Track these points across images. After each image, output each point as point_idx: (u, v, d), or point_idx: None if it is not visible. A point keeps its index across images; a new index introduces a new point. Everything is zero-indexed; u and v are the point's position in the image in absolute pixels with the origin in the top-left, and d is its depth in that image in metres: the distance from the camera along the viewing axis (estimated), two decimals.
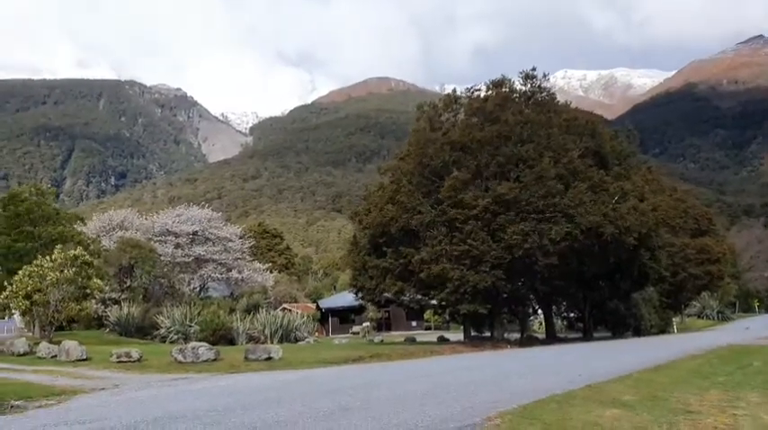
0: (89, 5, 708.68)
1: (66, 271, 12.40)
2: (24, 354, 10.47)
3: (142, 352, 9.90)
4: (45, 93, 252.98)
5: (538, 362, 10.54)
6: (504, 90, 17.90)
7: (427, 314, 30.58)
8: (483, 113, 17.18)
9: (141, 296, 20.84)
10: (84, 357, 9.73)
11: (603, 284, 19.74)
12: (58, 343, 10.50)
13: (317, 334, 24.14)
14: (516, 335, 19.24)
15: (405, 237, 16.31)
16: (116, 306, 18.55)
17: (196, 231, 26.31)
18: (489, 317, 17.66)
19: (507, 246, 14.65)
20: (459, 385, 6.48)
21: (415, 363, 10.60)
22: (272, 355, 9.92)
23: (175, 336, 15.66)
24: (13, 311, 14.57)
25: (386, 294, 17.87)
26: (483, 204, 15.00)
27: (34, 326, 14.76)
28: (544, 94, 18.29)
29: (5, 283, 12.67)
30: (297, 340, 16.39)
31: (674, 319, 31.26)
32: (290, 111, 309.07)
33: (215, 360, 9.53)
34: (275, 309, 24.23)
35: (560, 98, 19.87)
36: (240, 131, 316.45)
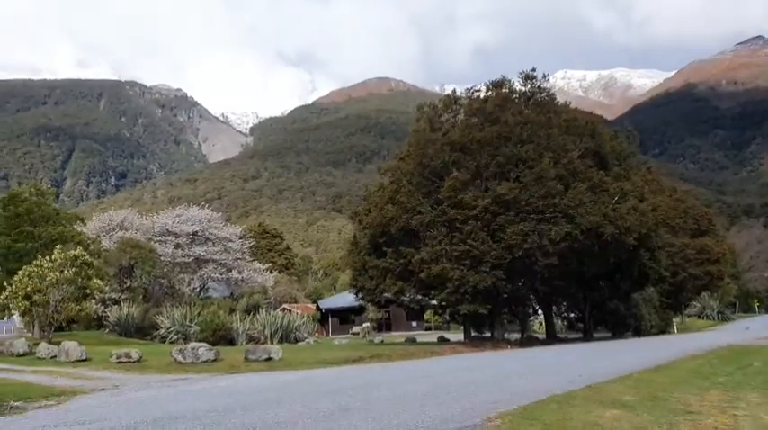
0: (89, 5, 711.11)
1: (65, 271, 12.39)
2: (24, 355, 10.46)
3: (142, 352, 9.89)
4: (45, 93, 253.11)
5: (538, 362, 10.54)
6: (503, 90, 17.91)
7: (427, 314, 30.59)
8: (483, 114, 17.19)
9: (141, 296, 20.83)
10: (84, 358, 9.73)
11: (603, 284, 19.74)
12: (58, 343, 10.49)
13: (316, 334, 24.13)
14: (516, 336, 19.23)
15: (405, 238, 16.32)
16: (116, 306, 18.54)
17: (196, 231, 26.31)
18: (489, 317, 17.66)
19: (507, 247, 14.66)
20: (460, 385, 6.48)
21: (416, 364, 10.60)
22: (272, 356, 9.92)
23: (175, 337, 15.65)
24: (13, 312, 14.55)
25: (386, 294, 17.87)
26: (483, 204, 15.02)
27: (34, 327, 14.75)
28: (544, 94, 18.31)
29: (5, 284, 12.66)
30: (297, 340, 16.38)
31: (674, 320, 31.29)
32: (291, 112, 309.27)
33: (215, 360, 9.53)
34: (275, 309, 24.21)
35: (560, 98, 19.88)
36: (240, 132, 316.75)
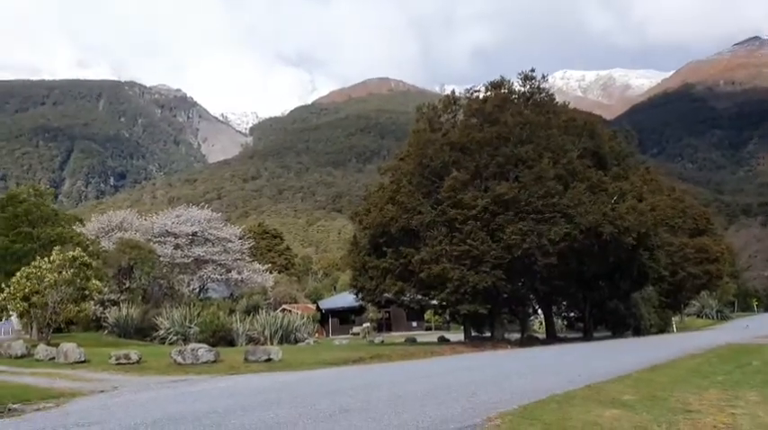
0: (88, 5, 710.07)
1: (64, 272, 12.34)
2: (22, 357, 10.40)
3: (141, 353, 9.86)
4: (44, 93, 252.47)
5: (538, 362, 10.55)
6: (503, 91, 17.95)
7: (428, 314, 30.60)
8: (482, 114, 17.22)
9: (140, 297, 20.78)
10: (83, 359, 9.69)
11: (603, 284, 19.77)
12: (56, 345, 10.44)
13: (317, 335, 24.11)
14: (516, 335, 19.25)
15: (405, 238, 16.32)
16: (115, 307, 18.48)
17: (195, 232, 26.27)
18: (489, 317, 17.67)
19: (506, 246, 14.69)
20: (460, 385, 6.48)
21: (416, 364, 10.60)
22: (271, 357, 9.90)
23: (175, 338, 15.60)
24: (11, 313, 14.47)
25: (386, 294, 17.86)
26: (482, 204, 15.03)
27: (32, 328, 14.69)
28: (543, 94, 18.35)
29: (3, 285, 12.59)
30: (297, 341, 16.35)
31: (673, 319, 31.32)
32: (290, 112, 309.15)
33: (215, 361, 9.51)
34: (275, 309, 24.18)
35: (559, 98, 19.93)
36: (240, 132, 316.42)
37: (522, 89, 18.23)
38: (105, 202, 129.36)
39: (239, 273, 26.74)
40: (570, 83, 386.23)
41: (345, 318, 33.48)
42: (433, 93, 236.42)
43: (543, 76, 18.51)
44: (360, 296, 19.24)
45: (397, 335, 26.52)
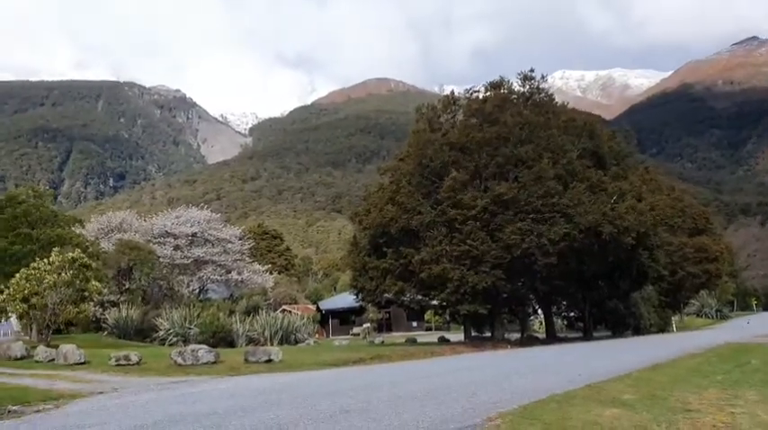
0: (88, 6, 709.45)
1: (63, 273, 12.32)
2: (21, 358, 10.37)
3: (141, 355, 9.84)
4: (43, 94, 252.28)
5: (538, 361, 10.56)
6: (502, 91, 17.98)
7: (428, 314, 30.58)
8: (482, 114, 17.24)
9: (140, 298, 20.74)
10: (83, 361, 9.67)
11: (603, 284, 19.79)
12: (56, 346, 10.43)
13: (317, 335, 24.10)
14: (516, 335, 19.27)
15: (405, 238, 16.33)
16: (114, 308, 18.46)
17: (195, 233, 26.25)
18: (489, 317, 17.68)
19: (506, 246, 14.70)
20: (460, 386, 6.49)
21: (416, 364, 10.61)
22: (272, 357, 9.90)
23: (175, 339, 15.59)
24: (10, 315, 14.46)
25: (386, 295, 17.86)
26: (482, 204, 15.05)
27: (31, 330, 14.67)
28: (542, 94, 18.38)
29: (2, 287, 12.58)
30: (297, 342, 16.34)
31: (673, 318, 31.36)
32: (290, 112, 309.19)
33: (215, 362, 9.51)
34: (275, 310, 24.16)
35: (558, 98, 19.96)
36: (239, 132, 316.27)
37: (522, 89, 18.26)
38: (104, 203, 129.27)
39: (239, 273, 26.72)
40: (569, 83, 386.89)
41: (345, 318, 33.47)
42: (432, 93, 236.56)
43: (542, 77, 18.56)
44: (360, 296, 19.24)
45: (398, 336, 26.50)
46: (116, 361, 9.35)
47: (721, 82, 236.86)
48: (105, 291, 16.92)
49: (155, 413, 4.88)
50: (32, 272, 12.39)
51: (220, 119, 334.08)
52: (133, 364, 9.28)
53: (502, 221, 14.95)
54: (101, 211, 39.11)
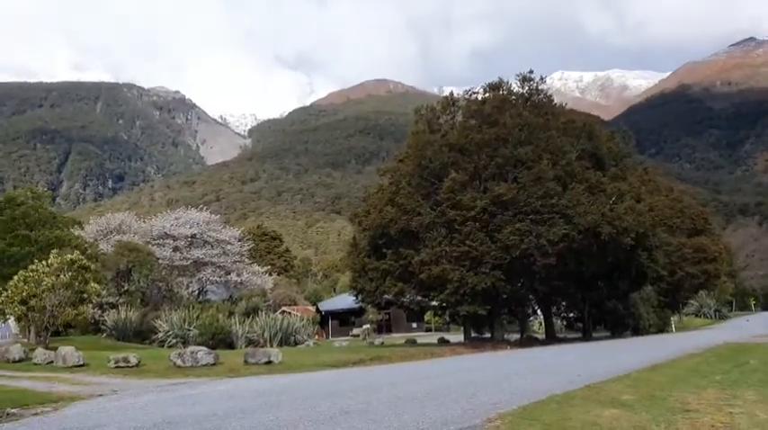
0: (86, 7, 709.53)
1: (62, 275, 12.28)
2: (20, 361, 10.33)
3: (140, 357, 9.82)
4: (42, 95, 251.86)
5: (537, 362, 10.58)
6: (501, 92, 18.03)
7: (427, 315, 30.57)
8: (481, 116, 17.29)
9: (139, 300, 20.67)
10: (81, 363, 9.64)
11: (602, 284, 19.84)
12: (55, 348, 10.40)
13: (316, 337, 24.05)
14: (516, 336, 19.27)
15: (404, 239, 16.34)
16: (113, 310, 18.39)
17: (194, 234, 26.21)
18: (489, 318, 17.69)
19: (505, 247, 14.72)
20: (460, 386, 6.49)
21: (416, 365, 10.61)
22: (271, 359, 9.89)
23: (174, 341, 15.55)
24: (8, 317, 14.41)
25: (386, 296, 17.86)
26: (481, 205, 15.08)
27: (30, 332, 14.60)
28: (541, 95, 18.44)
29: (0, 289, 12.53)
30: (296, 343, 16.31)
31: (672, 318, 31.43)
32: (289, 114, 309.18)
33: (214, 364, 9.49)
34: (274, 311, 24.11)
35: (557, 99, 20.03)
36: (239, 133, 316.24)
37: (521, 90, 18.32)
38: (103, 205, 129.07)
39: (238, 275, 26.67)
40: (568, 83, 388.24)
41: (345, 319, 33.43)
42: (431, 94, 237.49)
43: (541, 78, 18.63)
44: (359, 298, 19.24)
45: (397, 337, 26.49)
46: (115, 363, 9.32)
47: (719, 83, 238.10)
48: (104, 292, 16.90)
49: (154, 415, 4.87)
50: (31, 274, 12.36)
51: (219, 120, 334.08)
52: (132, 366, 9.26)
53: (501, 222, 14.98)
54: (99, 213, 39.05)
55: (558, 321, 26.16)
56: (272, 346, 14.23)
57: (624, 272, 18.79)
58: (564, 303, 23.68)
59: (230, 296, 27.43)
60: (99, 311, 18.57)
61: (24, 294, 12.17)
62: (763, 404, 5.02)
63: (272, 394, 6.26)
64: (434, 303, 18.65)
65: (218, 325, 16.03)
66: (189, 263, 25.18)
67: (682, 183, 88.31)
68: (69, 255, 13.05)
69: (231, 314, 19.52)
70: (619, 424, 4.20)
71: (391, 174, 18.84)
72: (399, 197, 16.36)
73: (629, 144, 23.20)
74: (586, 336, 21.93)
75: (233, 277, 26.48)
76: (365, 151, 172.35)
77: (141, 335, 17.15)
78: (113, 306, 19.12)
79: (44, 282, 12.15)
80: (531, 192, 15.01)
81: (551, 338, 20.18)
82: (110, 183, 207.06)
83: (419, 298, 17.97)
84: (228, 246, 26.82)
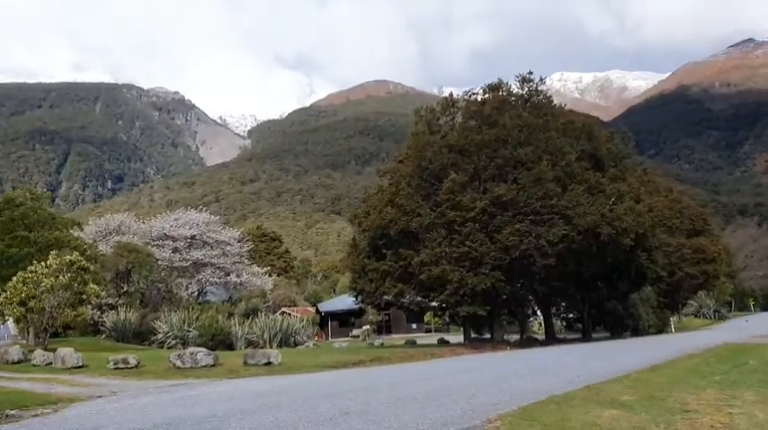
0: (86, 8, 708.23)
1: (61, 276, 12.26)
2: (19, 362, 10.32)
3: (140, 358, 9.81)
4: (41, 96, 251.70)
5: (537, 363, 10.59)
6: (501, 93, 18.08)
7: (427, 316, 30.55)
8: (481, 117, 17.33)
9: (138, 301, 20.65)
10: (81, 364, 9.62)
11: (601, 285, 19.86)
12: (54, 350, 10.38)
13: (316, 338, 24.01)
14: (516, 337, 19.28)
15: (404, 240, 16.35)
16: (113, 311, 18.36)
17: (194, 235, 26.20)
18: (489, 318, 17.69)
19: (504, 248, 14.74)
20: (459, 387, 6.49)
21: (416, 366, 10.61)
22: (271, 360, 9.88)
23: (173, 342, 15.52)
24: (7, 318, 14.37)
25: (386, 297, 17.85)
26: (481, 206, 15.11)
27: (28, 334, 14.58)
28: (541, 96, 18.50)
29: None
30: (296, 344, 16.30)
31: (671, 319, 31.47)
32: (289, 114, 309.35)
33: (214, 365, 9.49)
34: (274, 313, 24.10)
35: (556, 100, 20.10)
36: (238, 134, 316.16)
37: (521, 91, 18.37)
38: (103, 206, 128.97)
39: (238, 276, 26.65)
40: (568, 84, 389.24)
41: (345, 320, 33.40)
42: (431, 95, 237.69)
43: (541, 79, 18.71)
44: (359, 298, 19.22)
45: (397, 338, 26.48)
46: (114, 364, 9.30)
47: (718, 84, 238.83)
48: (103, 293, 16.86)
49: (153, 416, 4.87)
50: (30, 275, 12.33)
51: (219, 121, 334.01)
52: (131, 368, 9.24)
53: (501, 223, 15.01)
54: (99, 214, 39.01)
55: (558, 322, 26.19)
56: (271, 347, 14.23)
57: (624, 272, 18.82)
58: (563, 304, 23.70)
59: (230, 297, 27.40)
60: (98, 312, 18.54)
61: (23, 295, 12.14)
62: (761, 404, 5.04)
63: (271, 395, 6.26)
64: (434, 304, 18.66)
65: (218, 326, 16.02)
66: (188, 264, 25.16)
67: (681, 183, 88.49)
68: (68, 257, 13.03)
69: (231, 315, 19.51)
70: (618, 424, 4.20)
71: (391, 175, 18.87)
72: (399, 198, 16.38)
73: (628, 145, 23.29)
74: (586, 337, 21.95)
75: (232, 278, 26.46)
76: (365, 152, 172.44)
77: (140, 336, 17.12)
78: (113, 307, 19.10)
79: (43, 284, 12.13)
80: (531, 192, 15.05)
81: (551, 339, 20.18)
82: (109, 184, 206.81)
83: (419, 299, 17.98)
84: (228, 247, 26.80)
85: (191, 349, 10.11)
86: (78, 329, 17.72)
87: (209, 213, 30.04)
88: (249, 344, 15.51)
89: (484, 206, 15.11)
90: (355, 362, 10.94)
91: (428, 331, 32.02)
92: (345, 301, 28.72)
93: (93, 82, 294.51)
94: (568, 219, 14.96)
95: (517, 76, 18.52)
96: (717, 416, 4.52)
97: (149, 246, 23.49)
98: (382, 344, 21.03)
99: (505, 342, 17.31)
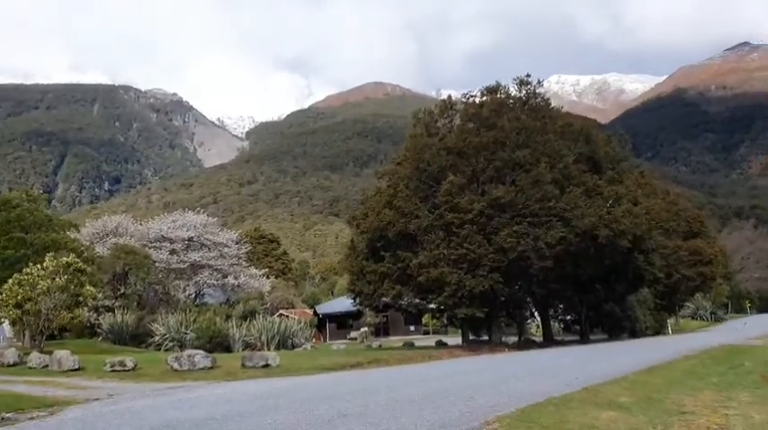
0: (83, 9, 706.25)
1: (57, 278, 12.18)
2: (14, 365, 10.23)
3: (137, 360, 9.76)
4: (38, 97, 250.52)
5: (535, 365, 10.61)
6: (499, 96, 18.22)
7: (425, 318, 30.55)
8: (479, 119, 17.44)
9: (135, 303, 20.53)
10: (77, 367, 9.56)
11: (599, 287, 19.94)
12: (50, 352, 10.30)
13: (314, 340, 23.94)
14: (514, 339, 19.35)
15: (402, 242, 16.38)
16: (109, 313, 18.24)
17: (191, 237, 26.10)
18: (487, 320, 17.71)
19: (502, 249, 14.79)
20: (458, 389, 6.50)
21: (414, 368, 10.61)
22: (269, 362, 9.86)
23: (171, 344, 15.43)
24: (3, 321, 14.24)
25: (384, 299, 17.85)
26: (479, 208, 15.17)
27: (24, 336, 14.45)
28: (539, 99, 18.64)
29: None
30: (294, 346, 16.25)
31: (668, 321, 31.57)
32: (287, 116, 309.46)
33: (211, 367, 9.45)
34: (272, 315, 23.96)
35: (554, 102, 20.27)
36: (236, 136, 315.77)
37: (518, 94, 18.51)
38: (100, 207, 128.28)
39: (236, 278, 26.54)
40: (565, 87, 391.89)
41: (343, 322, 33.31)
42: (429, 97, 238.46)
43: (539, 81, 18.88)
44: (357, 300, 19.21)
45: (395, 340, 26.45)
46: (111, 367, 9.25)
47: (714, 87, 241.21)
48: (100, 295, 16.74)
49: (151, 419, 4.85)
50: (26, 277, 12.24)
51: (217, 122, 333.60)
52: (129, 370, 9.20)
53: (498, 225, 15.07)
54: (96, 216, 38.74)
55: (556, 324, 26.26)
56: (269, 350, 14.18)
57: (621, 274, 18.91)
58: (561, 306, 23.76)
59: (227, 299, 27.28)
60: (95, 315, 18.40)
61: (19, 297, 12.05)
62: (757, 405, 5.08)
63: (269, 397, 6.24)
64: (432, 306, 18.67)
65: (216, 328, 15.94)
66: (186, 266, 25.03)
67: (678, 186, 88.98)
68: (65, 258, 12.95)
69: (228, 317, 19.40)
70: (616, 426, 4.23)
71: (389, 177, 18.92)
72: (397, 200, 16.43)
73: (625, 147, 23.51)
74: (584, 339, 21.99)
75: (230, 280, 26.35)
76: (363, 154, 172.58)
77: (138, 338, 17.01)
78: (109, 309, 18.96)
79: (39, 286, 12.05)
80: (529, 195, 15.13)
81: (549, 341, 20.22)
82: (106, 186, 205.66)
83: (417, 300, 17.99)
84: (226, 249, 26.70)
85: (188, 351, 10.08)
86: (75, 332, 17.58)
87: (207, 215, 29.94)
88: (247, 346, 15.45)
89: (482, 208, 15.18)
90: (353, 364, 10.93)
91: (426, 333, 31.99)
92: (343, 303, 28.67)
93: (90, 83, 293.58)
94: (566, 221, 15.05)
95: (515, 79, 18.70)
96: (713, 417, 4.56)
97: (146, 248, 23.37)
98: (380, 346, 21.01)
99: (503, 344, 17.32)
